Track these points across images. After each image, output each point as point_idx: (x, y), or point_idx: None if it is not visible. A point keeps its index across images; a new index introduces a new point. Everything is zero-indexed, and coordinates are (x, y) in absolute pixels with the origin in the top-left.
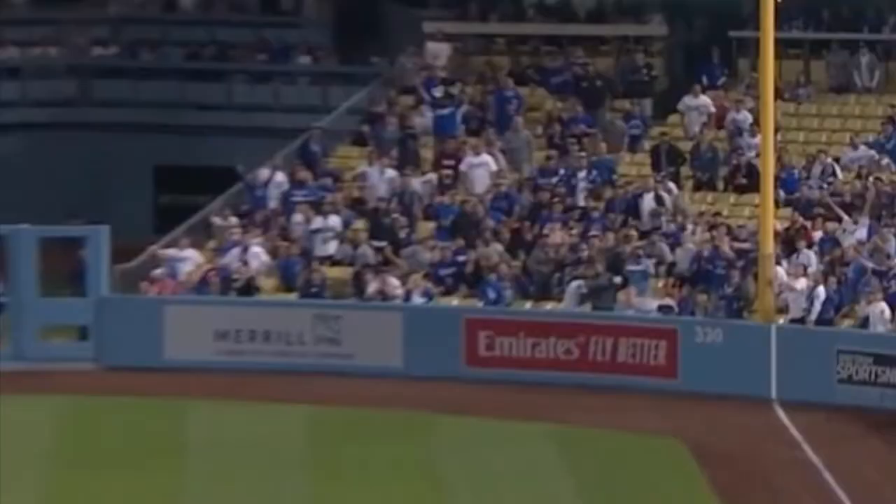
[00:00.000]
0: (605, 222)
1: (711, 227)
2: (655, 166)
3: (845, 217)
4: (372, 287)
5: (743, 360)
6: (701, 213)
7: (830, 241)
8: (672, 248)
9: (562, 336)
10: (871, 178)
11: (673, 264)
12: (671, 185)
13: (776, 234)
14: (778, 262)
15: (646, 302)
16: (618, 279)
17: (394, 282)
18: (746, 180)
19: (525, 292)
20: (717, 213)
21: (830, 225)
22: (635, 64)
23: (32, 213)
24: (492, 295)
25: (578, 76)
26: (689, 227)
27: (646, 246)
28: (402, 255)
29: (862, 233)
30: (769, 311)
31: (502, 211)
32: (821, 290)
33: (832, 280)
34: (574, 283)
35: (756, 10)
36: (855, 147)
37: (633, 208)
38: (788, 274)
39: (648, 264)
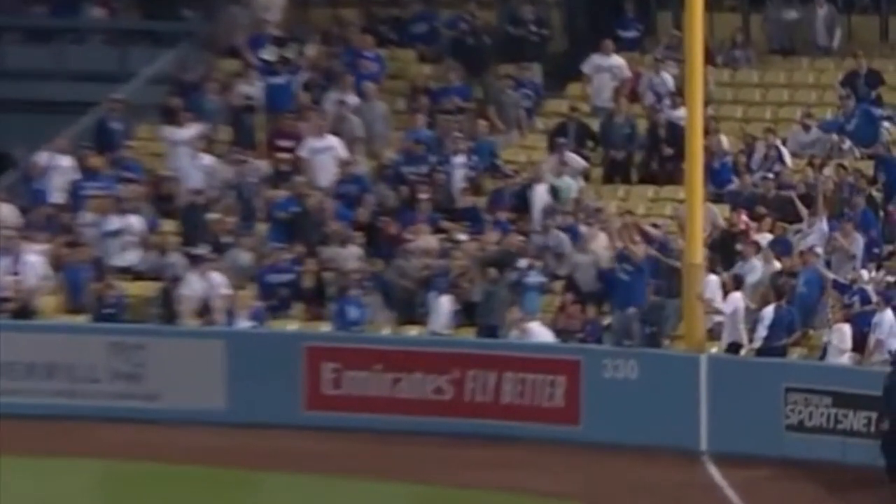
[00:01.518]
0: (488, 222)
1: (623, 229)
2: (554, 149)
3: (806, 216)
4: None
5: (664, 401)
6: (616, 212)
7: (781, 247)
8: (572, 256)
9: (431, 370)
10: (826, 167)
11: (572, 277)
12: (578, 161)
13: (707, 237)
14: (715, 274)
15: (536, 327)
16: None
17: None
18: (668, 168)
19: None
20: (629, 212)
21: (784, 227)
22: (521, 17)
23: None
24: (352, 315)
25: (457, 33)
26: (595, 228)
27: (538, 252)
28: (223, 263)
29: (817, 236)
30: (698, 338)
31: (353, 208)
32: (767, 310)
33: (779, 297)
34: (443, 299)
35: None
36: (807, 127)
37: (522, 203)
38: (723, 289)
39: (541, 276)
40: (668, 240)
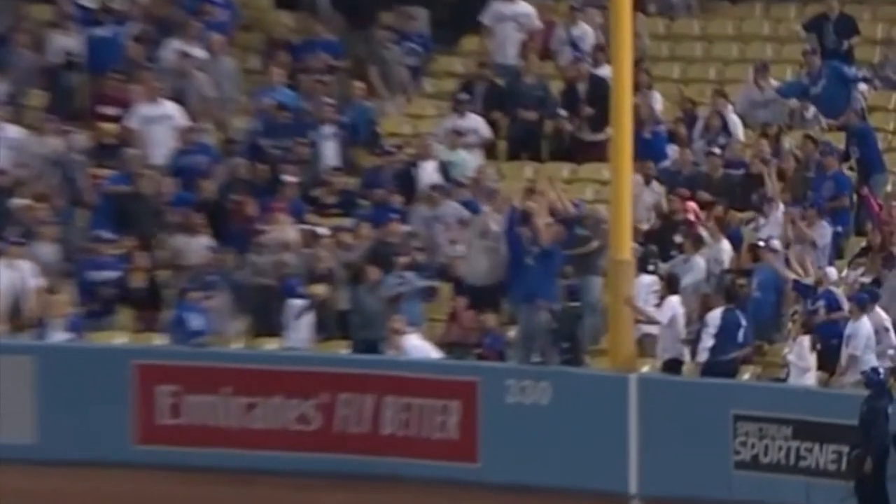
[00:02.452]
0: (364, 208)
1: (525, 217)
2: (455, 110)
3: (779, 204)
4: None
5: (584, 432)
6: (525, 192)
7: (729, 240)
8: (467, 243)
9: (293, 394)
10: (785, 138)
11: (461, 277)
12: (480, 128)
13: (638, 227)
14: (648, 273)
15: (415, 340)
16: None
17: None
18: (588, 139)
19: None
20: (539, 192)
21: (733, 215)
22: None
23: None
24: (195, 324)
25: None
26: (493, 213)
27: (426, 246)
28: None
29: (773, 227)
30: (626, 354)
31: (196, 190)
32: (713, 314)
33: (728, 301)
34: (297, 305)
35: None
36: (761, 87)
37: (406, 185)
38: (658, 292)
39: (425, 278)
40: (599, 220)
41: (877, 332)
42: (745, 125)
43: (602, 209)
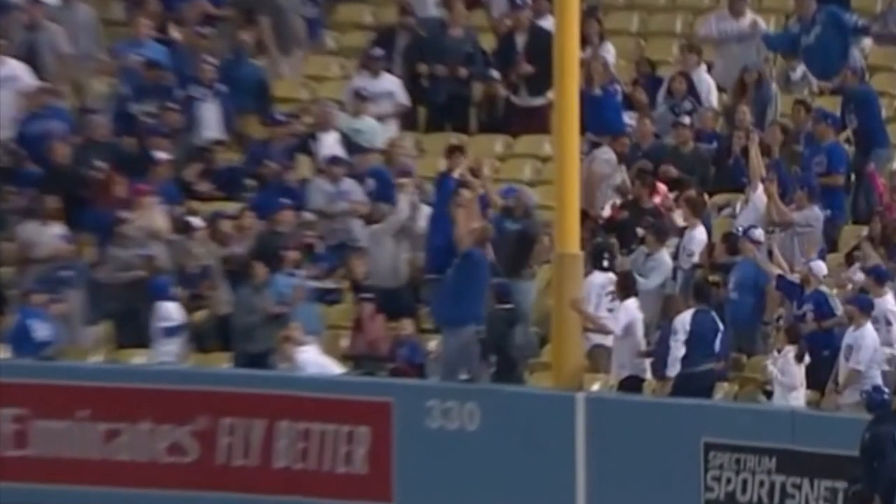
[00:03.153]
0: (250, 190)
1: (459, 204)
2: (363, 65)
3: (758, 184)
4: None
5: (521, 463)
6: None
7: (706, 227)
8: (374, 241)
9: (165, 418)
10: (774, 107)
11: (367, 276)
12: (395, 90)
13: (588, 213)
14: (601, 271)
15: (311, 354)
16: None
17: None
18: (523, 105)
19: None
20: (474, 171)
21: (713, 199)
22: None
23: None
24: (41, 333)
25: None
26: (408, 197)
27: (325, 233)
28: None
29: (753, 213)
30: (573, 369)
31: (47, 165)
32: (682, 317)
33: (698, 302)
34: (171, 310)
35: None
36: (737, 15)
37: (303, 161)
38: (614, 294)
39: (322, 274)
40: (529, 208)
41: (875, 320)
42: (720, 89)
43: (536, 193)
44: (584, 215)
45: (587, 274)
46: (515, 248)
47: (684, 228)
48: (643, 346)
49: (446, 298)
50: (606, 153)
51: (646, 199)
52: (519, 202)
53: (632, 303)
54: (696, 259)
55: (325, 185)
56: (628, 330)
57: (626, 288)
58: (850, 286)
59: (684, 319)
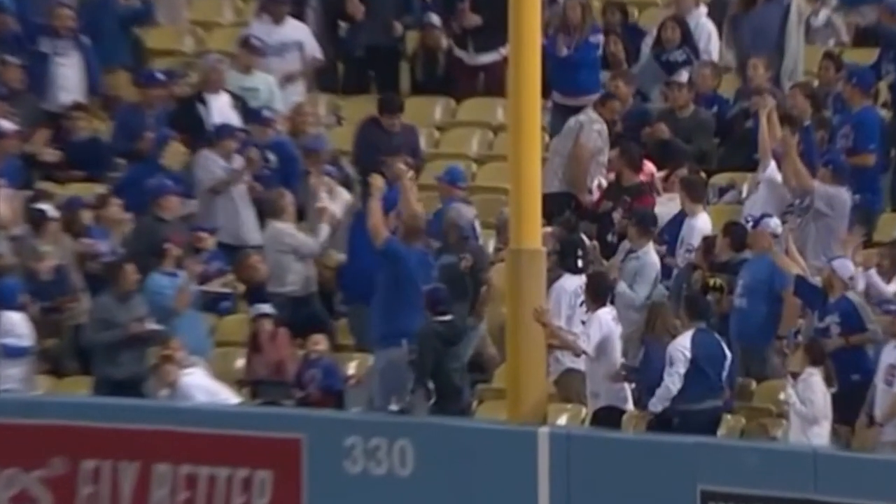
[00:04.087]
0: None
1: (372, 194)
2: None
3: (770, 161)
4: None
5: None
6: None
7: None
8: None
9: (8, 460)
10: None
11: (257, 283)
12: (305, 40)
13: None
14: (571, 272)
15: (197, 378)
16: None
17: None
18: (464, 64)
19: None
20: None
21: (713, 179)
22: None
23: None
24: None
25: None
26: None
27: (218, 229)
28: None
29: (766, 198)
30: (534, 396)
31: None
32: (680, 346)
33: (696, 316)
34: (17, 321)
35: None
36: None
37: (187, 130)
38: (588, 302)
39: (212, 277)
40: (465, 231)
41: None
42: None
43: (486, 172)
44: (571, 201)
45: (556, 278)
46: (449, 291)
47: (679, 217)
48: (618, 367)
49: (373, 310)
50: (597, 122)
51: (628, 177)
52: (450, 223)
53: (605, 314)
54: (692, 254)
55: (216, 162)
56: (602, 348)
57: (598, 293)
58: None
59: (683, 345)
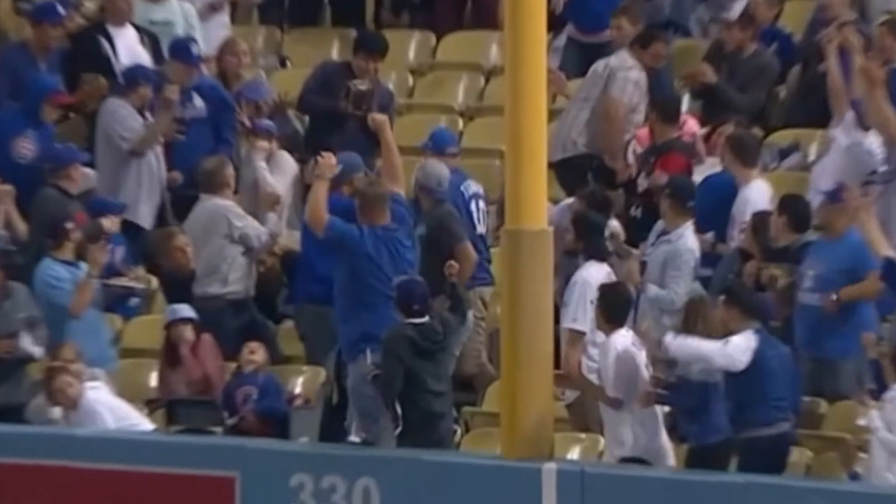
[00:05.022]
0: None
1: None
2: None
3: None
4: None
5: None
6: None
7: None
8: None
9: None
10: None
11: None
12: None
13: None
14: (596, 258)
15: (101, 395)
16: None
17: None
18: None
19: None
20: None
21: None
22: None
23: None
24: None
25: None
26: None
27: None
28: None
29: (836, 163)
30: (536, 424)
31: None
32: (737, 346)
33: (749, 313)
34: None
35: None
36: None
37: (87, 68)
38: (601, 322)
39: (120, 269)
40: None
41: None
42: None
43: (475, 129)
44: (592, 166)
45: (572, 268)
46: (422, 268)
47: (728, 188)
48: (646, 385)
49: (336, 312)
50: (634, 69)
51: (661, 132)
52: (417, 187)
53: (623, 338)
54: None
55: (132, 115)
56: (620, 361)
57: (613, 310)
58: None
59: (739, 346)
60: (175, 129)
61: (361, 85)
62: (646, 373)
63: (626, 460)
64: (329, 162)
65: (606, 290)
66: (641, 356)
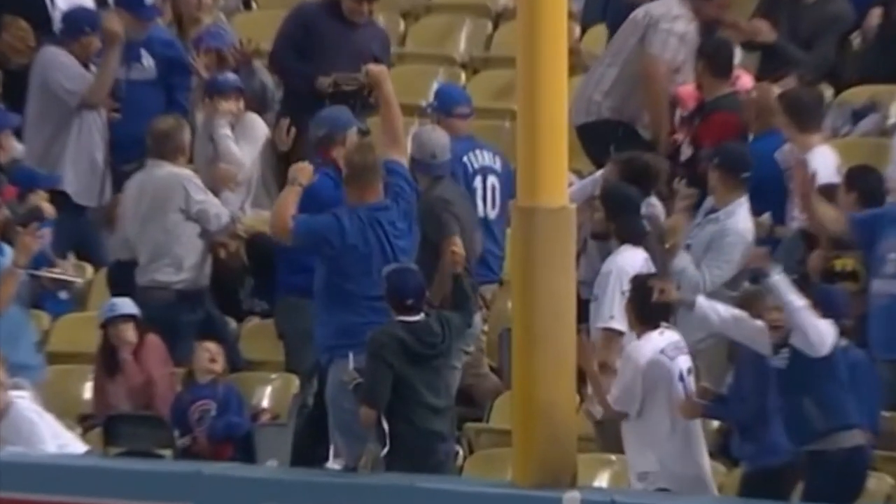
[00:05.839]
0: None
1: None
2: None
3: None
4: None
5: None
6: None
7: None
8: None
9: None
10: None
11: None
12: None
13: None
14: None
15: (38, 407)
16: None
17: None
18: None
19: None
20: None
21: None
22: None
23: None
24: None
25: None
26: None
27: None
28: None
29: None
30: (557, 443)
31: None
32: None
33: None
34: None
35: None
36: None
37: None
38: (632, 319)
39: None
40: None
41: None
42: None
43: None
44: (629, 140)
45: (605, 254)
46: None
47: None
48: (701, 393)
49: (315, 308)
50: (682, 19)
51: (710, 88)
52: (412, 161)
53: (654, 342)
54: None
55: (67, 64)
56: (646, 375)
57: (643, 306)
58: None
59: (829, 330)
60: (111, 105)
61: (347, 85)
62: (679, 387)
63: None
64: (304, 169)
65: (640, 283)
66: (675, 366)
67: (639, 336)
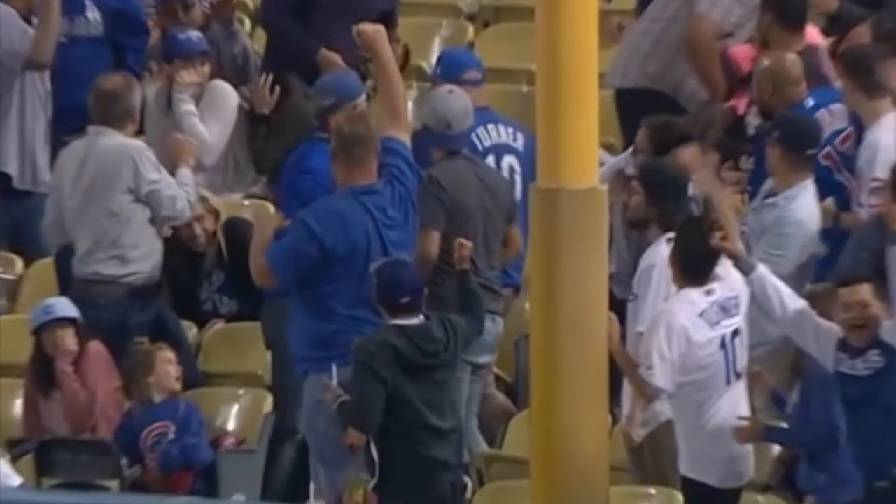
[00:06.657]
0: None
1: None
2: None
3: None
4: None
5: None
6: None
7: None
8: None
9: None
10: None
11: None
12: None
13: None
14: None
15: None
16: None
17: None
18: None
19: None
20: None
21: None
22: None
23: None
24: None
25: None
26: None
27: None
28: None
29: None
30: (588, 466)
31: None
32: None
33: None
34: None
35: None
36: None
37: None
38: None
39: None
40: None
41: None
42: None
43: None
44: (672, 110)
45: (645, 244)
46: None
47: (842, 132)
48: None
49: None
50: None
51: (778, 40)
52: (428, 121)
53: (694, 301)
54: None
55: (6, 18)
56: (688, 365)
57: (689, 258)
58: None
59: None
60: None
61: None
62: (719, 357)
63: (689, 483)
64: (269, 217)
65: (693, 226)
66: (716, 334)
67: (679, 289)
